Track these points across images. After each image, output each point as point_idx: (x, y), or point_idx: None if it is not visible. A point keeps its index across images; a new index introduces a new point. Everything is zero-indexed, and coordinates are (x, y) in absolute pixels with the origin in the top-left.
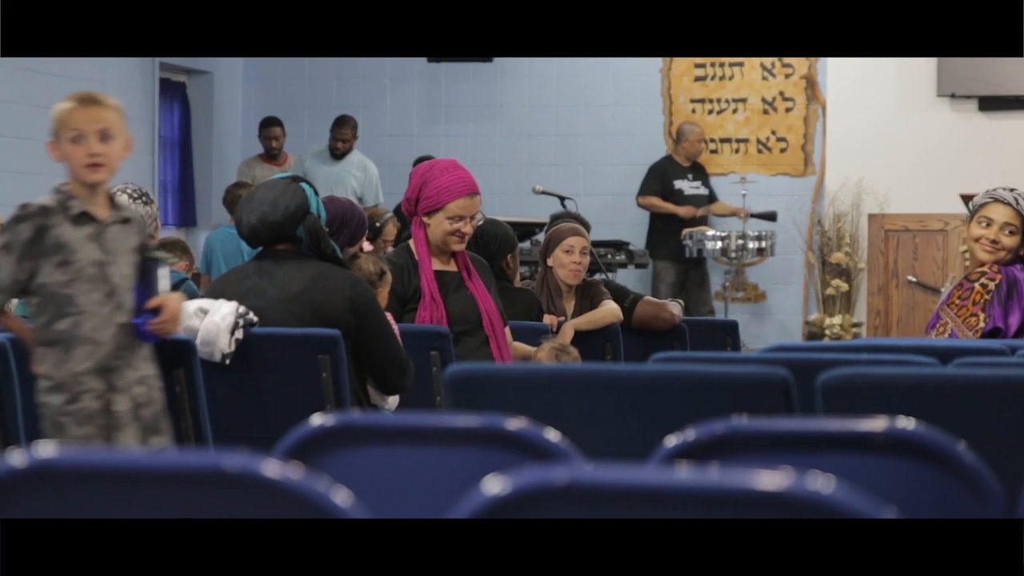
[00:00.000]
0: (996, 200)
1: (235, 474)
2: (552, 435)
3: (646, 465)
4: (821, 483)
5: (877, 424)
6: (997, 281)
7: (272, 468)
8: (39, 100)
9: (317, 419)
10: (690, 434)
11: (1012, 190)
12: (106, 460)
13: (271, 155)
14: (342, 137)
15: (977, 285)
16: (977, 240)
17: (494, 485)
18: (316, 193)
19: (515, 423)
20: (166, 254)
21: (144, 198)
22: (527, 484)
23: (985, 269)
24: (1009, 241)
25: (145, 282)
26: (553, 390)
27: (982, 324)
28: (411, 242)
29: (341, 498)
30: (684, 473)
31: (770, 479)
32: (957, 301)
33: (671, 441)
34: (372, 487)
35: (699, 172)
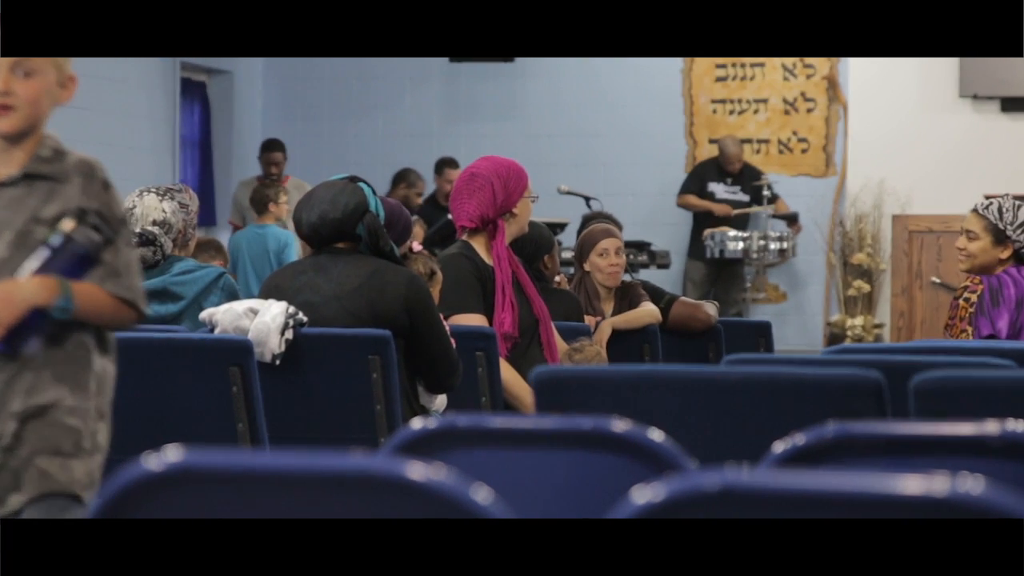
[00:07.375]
0: (971, 211)
1: (379, 476)
2: (659, 437)
3: (785, 469)
4: (973, 485)
5: (991, 427)
6: (979, 292)
7: (416, 470)
8: None
9: (418, 422)
10: (799, 438)
11: (1005, 196)
12: (241, 463)
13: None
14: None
15: (961, 301)
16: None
17: (646, 492)
18: (374, 193)
19: (621, 425)
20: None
21: (168, 195)
22: (681, 490)
23: (967, 283)
24: (973, 247)
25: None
26: (640, 392)
27: (972, 337)
28: (471, 241)
29: (484, 498)
30: (835, 477)
31: (922, 483)
32: (949, 322)
33: (779, 446)
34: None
35: (741, 178)
